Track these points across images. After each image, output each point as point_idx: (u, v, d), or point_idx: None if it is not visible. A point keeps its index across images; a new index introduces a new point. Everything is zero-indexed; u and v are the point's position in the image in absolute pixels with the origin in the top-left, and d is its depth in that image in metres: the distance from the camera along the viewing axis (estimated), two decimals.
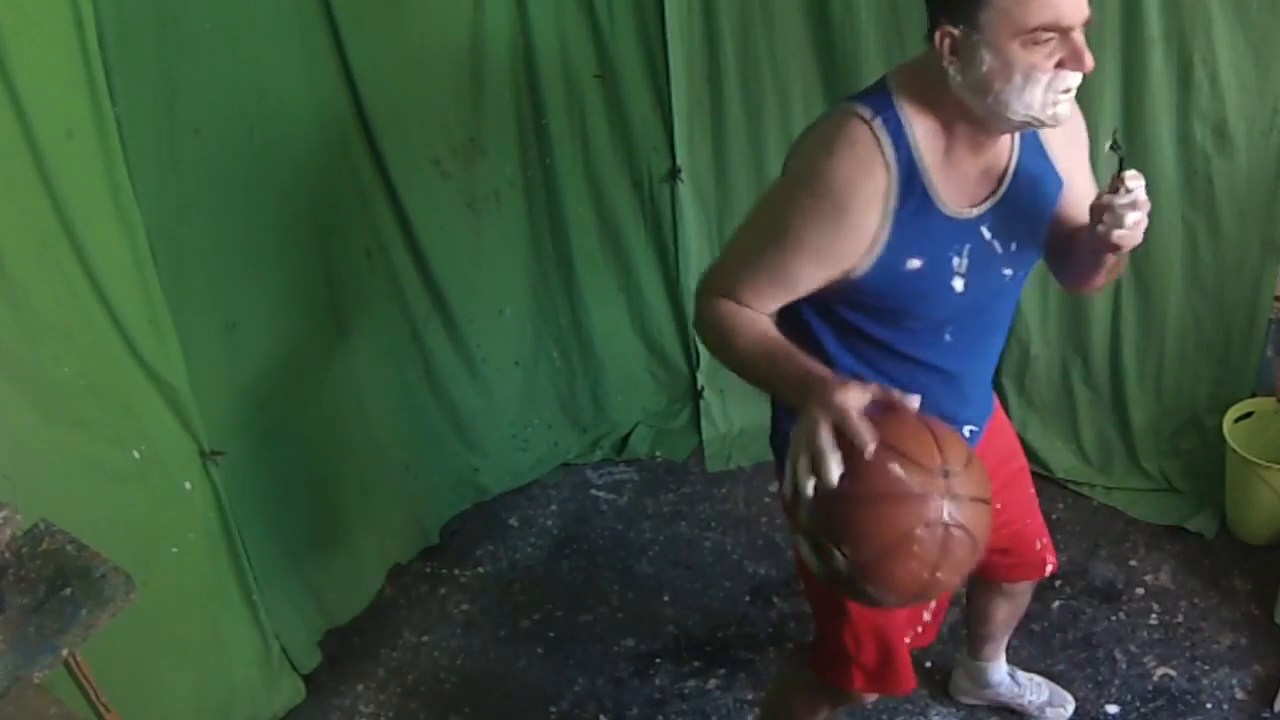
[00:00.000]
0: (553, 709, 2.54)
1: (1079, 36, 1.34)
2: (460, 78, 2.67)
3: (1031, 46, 1.33)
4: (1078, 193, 1.59)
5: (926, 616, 1.85)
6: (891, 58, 2.63)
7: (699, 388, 3.17)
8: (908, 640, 1.84)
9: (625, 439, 3.22)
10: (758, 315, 1.50)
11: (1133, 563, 2.70)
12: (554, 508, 3.09)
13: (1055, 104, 1.37)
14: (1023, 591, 2.15)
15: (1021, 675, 2.37)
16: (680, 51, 2.76)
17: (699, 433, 3.20)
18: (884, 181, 1.43)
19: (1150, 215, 2.58)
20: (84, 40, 1.86)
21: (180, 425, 2.20)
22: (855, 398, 1.26)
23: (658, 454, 3.20)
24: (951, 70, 1.38)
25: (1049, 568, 2.04)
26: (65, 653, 1.70)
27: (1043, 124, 1.40)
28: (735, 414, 3.18)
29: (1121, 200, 1.39)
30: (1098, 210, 1.42)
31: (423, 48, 2.58)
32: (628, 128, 2.89)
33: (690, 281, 3.04)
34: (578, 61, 2.79)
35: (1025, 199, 1.53)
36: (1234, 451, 2.57)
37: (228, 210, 2.29)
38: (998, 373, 2.88)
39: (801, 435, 1.27)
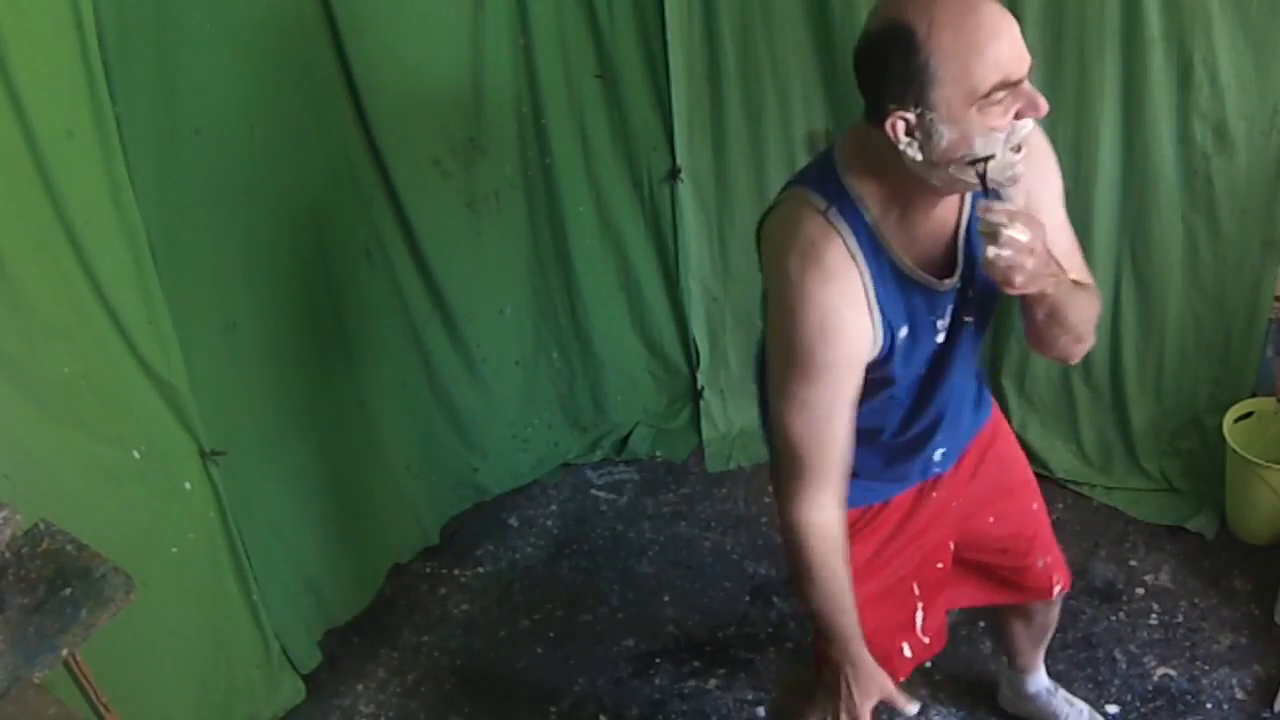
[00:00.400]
0: (553, 709, 2.54)
1: (1028, 84, 1.32)
2: (460, 77, 2.67)
3: (988, 109, 1.30)
4: (1054, 242, 1.53)
5: (926, 639, 1.86)
6: None
7: (699, 388, 3.17)
8: (907, 652, 1.85)
9: (625, 439, 3.22)
10: (838, 538, 1.55)
11: (1133, 563, 2.70)
12: (554, 508, 3.09)
13: (1014, 164, 1.36)
14: (1040, 610, 2.10)
15: (1063, 695, 2.33)
16: (680, 51, 2.76)
17: (699, 433, 3.20)
18: (856, 279, 1.43)
19: (1150, 215, 2.60)
20: (84, 40, 1.86)
21: (180, 425, 2.20)
22: (873, 698, 1.60)
23: (658, 454, 3.20)
24: (909, 151, 1.35)
25: (1057, 588, 1.97)
26: (65, 653, 1.70)
27: (1003, 185, 1.38)
28: (735, 414, 3.18)
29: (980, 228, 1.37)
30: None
31: (423, 48, 2.58)
32: (628, 128, 2.89)
33: (691, 282, 3.04)
34: (578, 61, 2.79)
35: (979, 243, 1.50)
36: (1234, 451, 2.57)
37: (228, 210, 2.29)
38: (997, 374, 2.89)
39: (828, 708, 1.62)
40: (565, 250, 2.98)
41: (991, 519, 1.88)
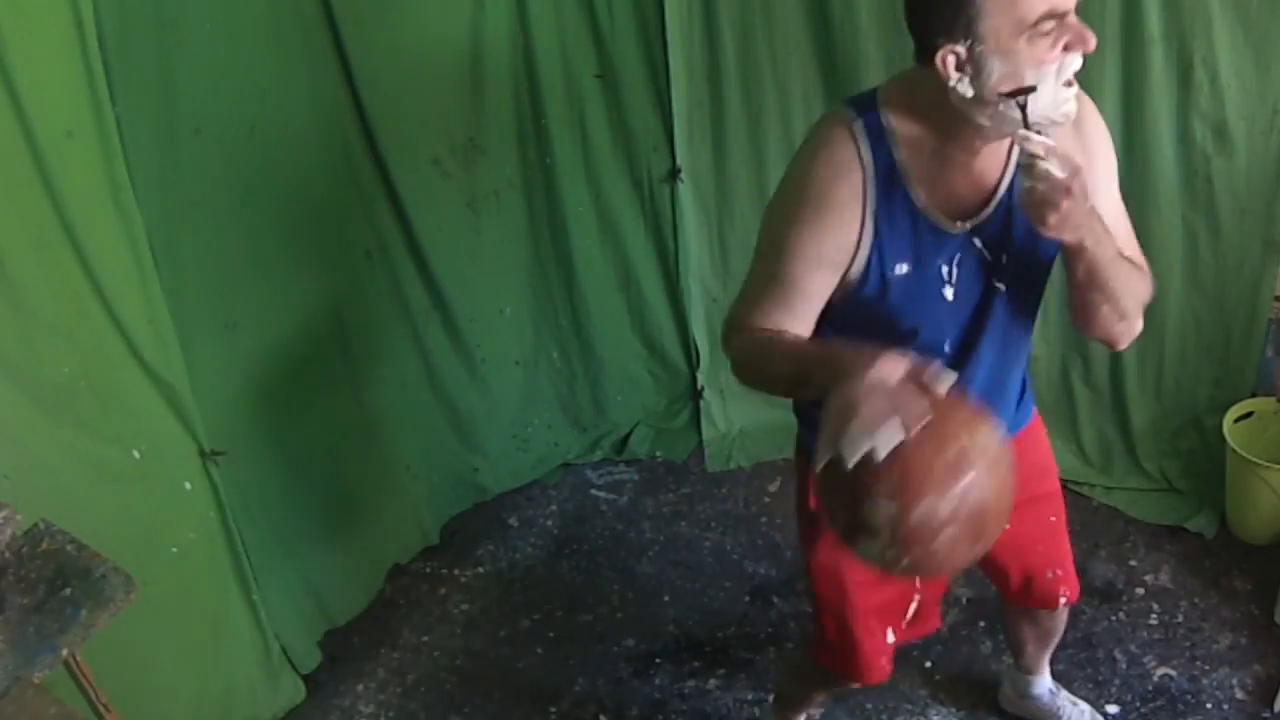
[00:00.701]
0: (553, 709, 2.54)
1: (1074, 17, 1.33)
2: (460, 77, 2.66)
3: (1036, 40, 1.32)
4: (1102, 212, 1.53)
5: (911, 608, 1.86)
6: (891, 58, 2.63)
7: (699, 388, 3.17)
8: (890, 637, 1.85)
9: (625, 439, 3.22)
10: (776, 333, 1.52)
11: (1133, 563, 2.70)
12: (554, 508, 3.09)
13: (1065, 101, 1.36)
14: (1046, 617, 2.10)
15: (1065, 696, 2.33)
16: (680, 51, 2.76)
17: (699, 433, 3.20)
18: (859, 180, 1.44)
19: (1150, 215, 2.60)
20: (84, 40, 1.86)
21: (180, 425, 2.20)
22: (891, 369, 1.27)
23: (658, 454, 3.20)
24: (960, 87, 1.36)
25: (1063, 600, 1.98)
26: (65, 653, 1.70)
27: (1055, 123, 1.38)
28: (735, 414, 3.18)
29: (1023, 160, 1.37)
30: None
31: (423, 47, 2.58)
32: (628, 128, 2.88)
33: (691, 282, 3.04)
34: (578, 61, 2.79)
35: (1020, 214, 1.49)
36: (1234, 451, 2.57)
37: (228, 210, 2.29)
38: None
39: (846, 404, 1.26)
40: (565, 250, 2.98)
41: (1008, 524, 1.86)
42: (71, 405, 1.97)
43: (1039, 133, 1.35)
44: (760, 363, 1.52)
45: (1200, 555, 2.69)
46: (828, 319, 1.56)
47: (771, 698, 2.36)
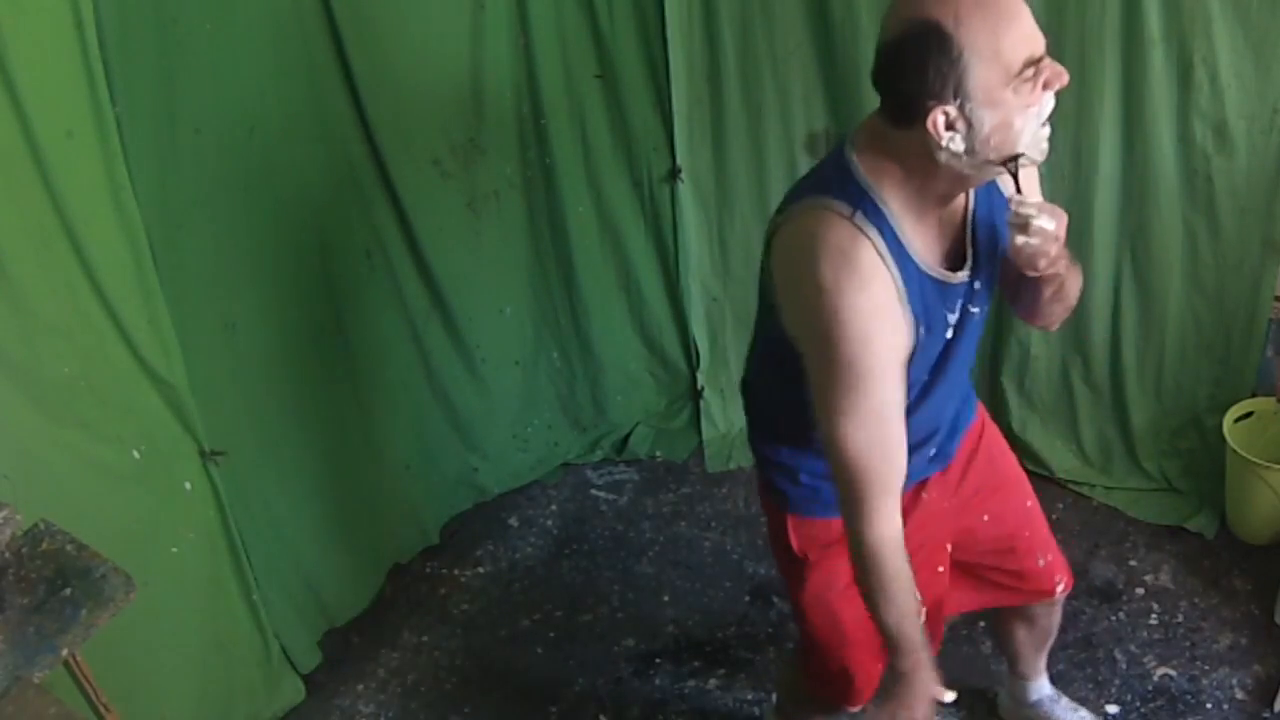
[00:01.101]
0: (553, 709, 2.54)
1: (1047, 58, 1.37)
2: (460, 77, 2.67)
3: (1020, 87, 1.34)
4: None
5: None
6: None
7: (699, 388, 3.17)
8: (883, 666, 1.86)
9: (625, 439, 3.22)
10: (906, 560, 1.54)
11: (1133, 563, 2.70)
12: (554, 508, 3.09)
13: (1043, 139, 1.41)
14: (1042, 614, 2.08)
15: (1066, 703, 2.31)
16: (680, 51, 2.76)
17: (699, 433, 3.20)
18: (889, 281, 1.42)
19: (1150, 215, 2.60)
20: (84, 40, 1.86)
21: (180, 425, 2.20)
22: (929, 700, 1.55)
23: (658, 454, 3.20)
24: (952, 145, 1.36)
25: (1059, 587, 1.97)
26: (65, 653, 1.70)
27: (1034, 161, 1.42)
28: (735, 414, 3.18)
29: (1011, 220, 1.42)
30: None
31: (423, 48, 2.58)
32: (628, 128, 2.88)
33: (691, 282, 3.04)
34: (578, 61, 2.79)
35: (987, 240, 1.55)
36: (1234, 451, 2.57)
37: (228, 210, 2.29)
38: (997, 373, 2.89)
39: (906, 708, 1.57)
40: (565, 250, 2.98)
41: (986, 517, 1.87)
42: (71, 405, 1.97)
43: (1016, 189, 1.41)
44: (890, 583, 1.53)
45: (1200, 555, 2.69)
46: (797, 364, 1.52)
47: (774, 698, 2.35)
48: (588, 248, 3.00)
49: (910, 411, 1.57)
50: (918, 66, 1.33)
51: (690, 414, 3.23)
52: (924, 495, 1.78)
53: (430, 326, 2.86)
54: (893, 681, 1.59)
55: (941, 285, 1.49)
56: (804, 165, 2.86)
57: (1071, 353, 2.82)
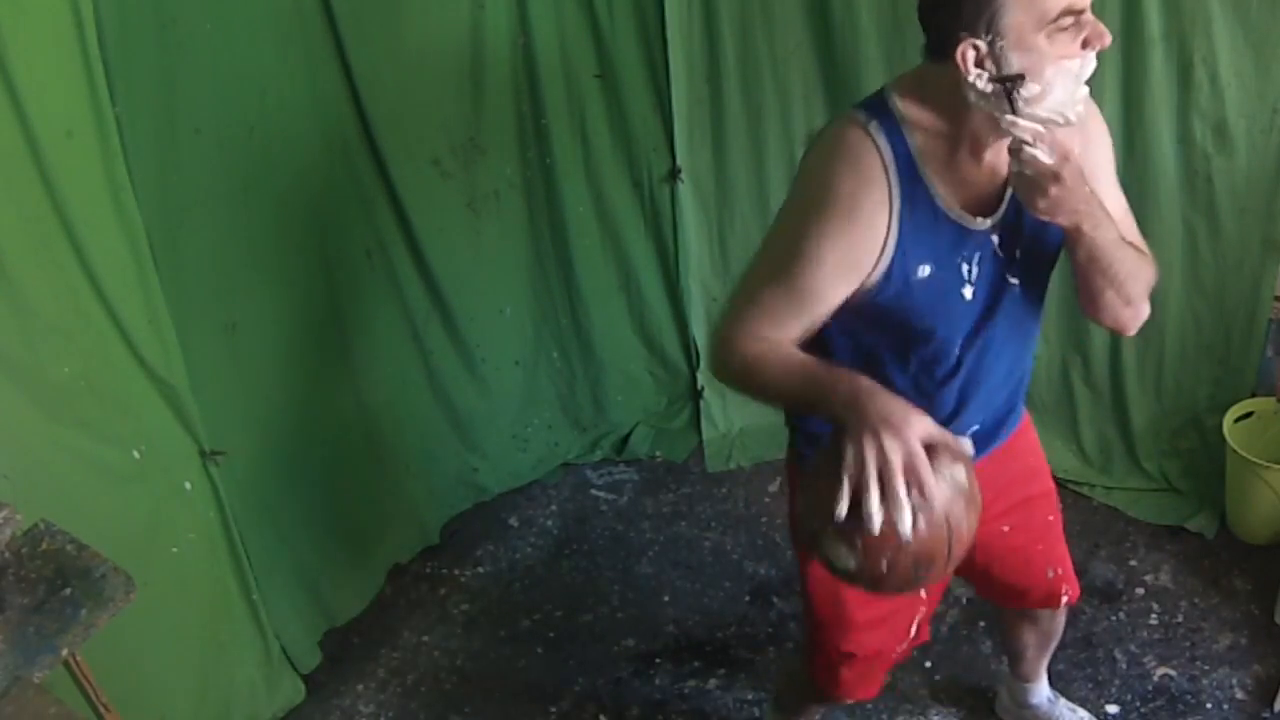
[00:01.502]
0: (553, 709, 2.54)
1: (1091, 14, 1.34)
2: (460, 77, 2.66)
3: (1056, 36, 1.33)
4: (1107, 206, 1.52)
5: (913, 627, 1.86)
6: (892, 58, 2.63)
7: (699, 388, 3.17)
8: (900, 648, 1.87)
9: (625, 439, 3.22)
10: (779, 341, 1.47)
11: (1133, 563, 2.70)
12: (554, 508, 3.09)
13: (1077, 101, 1.37)
14: (1047, 618, 2.08)
15: (1065, 704, 2.32)
16: (680, 51, 2.76)
17: (699, 433, 3.20)
18: (884, 185, 1.42)
19: (1150, 215, 2.60)
20: (84, 40, 1.86)
21: (180, 425, 2.20)
22: (923, 431, 1.29)
23: (658, 454, 3.20)
24: (978, 82, 1.36)
25: (1064, 598, 1.96)
26: (65, 653, 1.70)
27: (1064, 123, 1.38)
28: (735, 414, 3.18)
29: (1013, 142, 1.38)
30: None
31: (423, 47, 2.58)
32: (628, 128, 2.89)
33: (691, 282, 3.05)
34: (578, 61, 2.79)
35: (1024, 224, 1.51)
36: (1234, 451, 2.57)
37: (228, 210, 2.29)
38: None
39: (865, 460, 1.28)
40: (565, 250, 2.98)
41: (1006, 528, 1.84)
42: (71, 405, 1.97)
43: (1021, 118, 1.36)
44: (764, 374, 1.46)
45: (1200, 555, 2.69)
46: (835, 317, 1.49)
47: (773, 697, 2.36)
48: (588, 248, 3.00)
49: (945, 380, 1.57)
50: None
51: (690, 414, 3.23)
52: None
53: (430, 326, 2.86)
54: (845, 428, 1.33)
55: (957, 228, 1.47)
56: None
57: (1071, 353, 2.82)
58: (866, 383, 1.34)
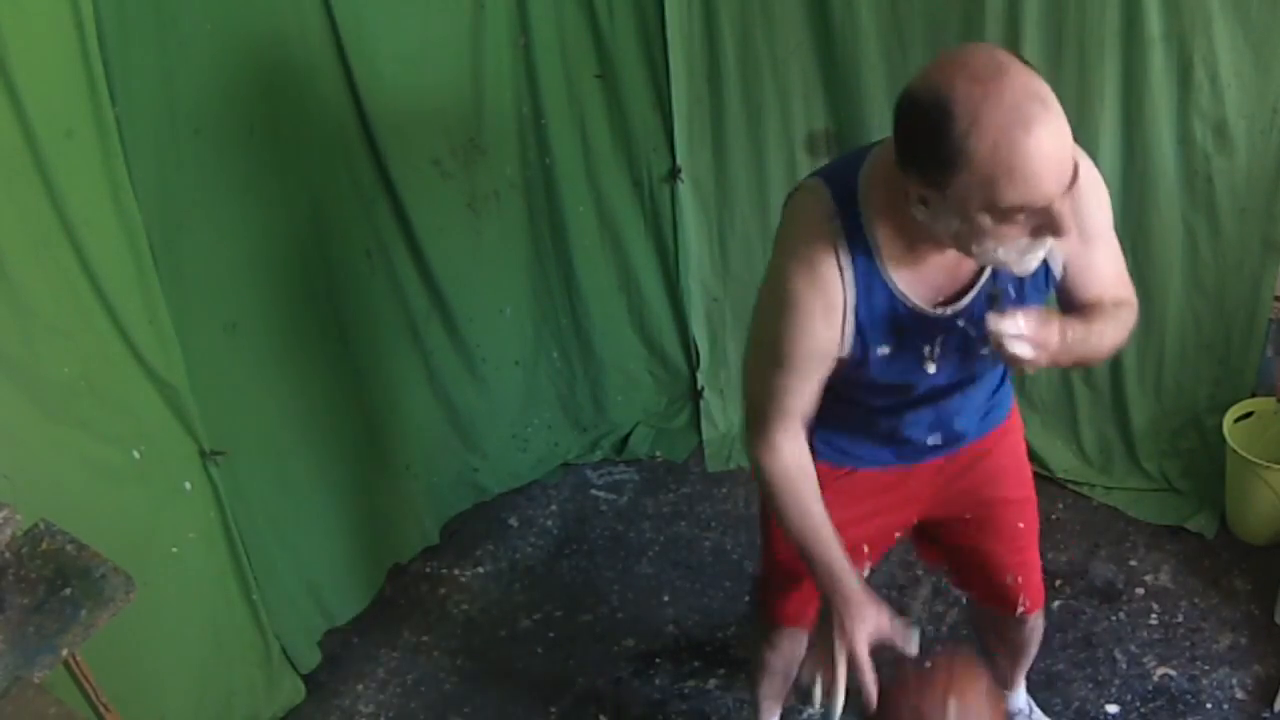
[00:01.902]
0: (553, 709, 2.54)
1: (1060, 206, 1.25)
2: (460, 78, 2.67)
3: (1003, 221, 1.27)
4: (1085, 268, 1.53)
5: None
6: (892, 58, 2.63)
7: (699, 388, 3.17)
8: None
9: (625, 439, 3.22)
10: (800, 469, 1.59)
11: (1133, 563, 2.70)
12: (554, 508, 3.09)
13: (1030, 262, 1.33)
14: (1013, 627, 2.04)
15: (1039, 716, 2.33)
16: (680, 51, 2.76)
17: (699, 433, 3.20)
18: (837, 286, 1.44)
19: (1150, 215, 2.60)
20: (84, 40, 1.86)
21: (180, 425, 2.20)
22: (868, 630, 1.51)
23: (658, 454, 3.20)
24: (918, 215, 1.33)
25: (1021, 609, 1.95)
26: (65, 653, 1.70)
27: (1014, 272, 1.38)
28: (735, 414, 3.18)
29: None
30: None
31: (423, 48, 2.58)
32: (628, 128, 2.89)
33: (691, 282, 3.05)
34: (578, 61, 2.79)
35: (1010, 292, 1.50)
36: (1234, 451, 2.57)
37: (228, 210, 2.29)
38: None
39: (822, 647, 1.55)
40: (565, 250, 2.98)
41: (969, 516, 1.88)
42: (71, 405, 1.97)
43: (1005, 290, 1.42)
44: (781, 512, 1.61)
45: (1200, 555, 2.69)
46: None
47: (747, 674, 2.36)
48: (588, 248, 3.00)
49: (907, 407, 1.65)
50: (911, 134, 1.27)
51: (690, 414, 3.23)
52: (909, 480, 1.80)
53: (430, 326, 2.86)
54: (825, 611, 1.59)
55: (915, 314, 1.48)
56: (804, 165, 2.86)
57: None
58: (842, 585, 1.54)
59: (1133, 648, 2.51)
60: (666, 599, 2.78)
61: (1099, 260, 1.54)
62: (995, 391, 1.77)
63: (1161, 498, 2.81)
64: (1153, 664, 2.47)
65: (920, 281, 1.46)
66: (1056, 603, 2.60)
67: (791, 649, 2.04)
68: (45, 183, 1.85)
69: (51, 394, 1.93)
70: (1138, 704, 2.39)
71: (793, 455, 1.59)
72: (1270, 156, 2.42)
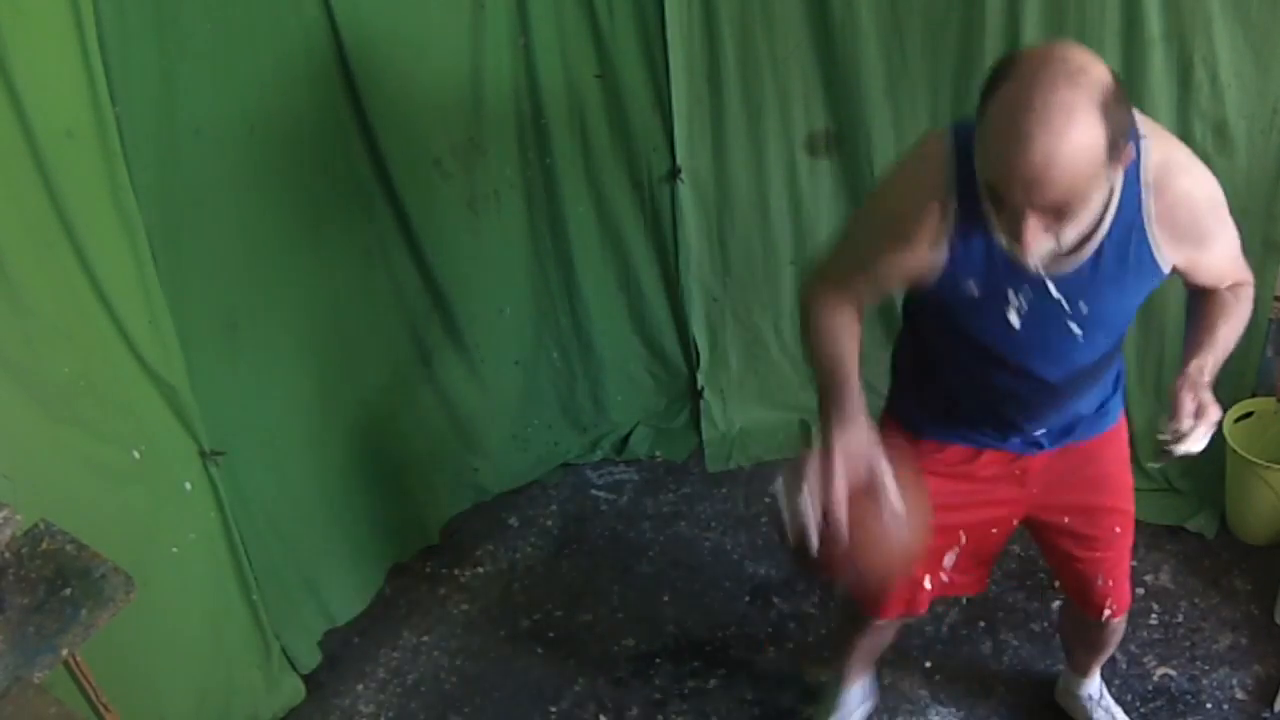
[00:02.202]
0: (553, 709, 2.54)
1: (1031, 223, 1.33)
2: (460, 77, 2.66)
3: (991, 200, 1.37)
4: (1204, 266, 1.60)
5: (946, 577, 1.95)
6: (891, 58, 2.63)
7: (699, 388, 3.17)
8: (927, 583, 1.94)
9: (625, 439, 3.22)
10: (844, 324, 1.64)
11: (1133, 563, 2.69)
12: (554, 508, 3.09)
13: (1020, 254, 1.41)
14: (1095, 628, 2.09)
15: (1108, 705, 2.33)
16: (680, 51, 2.76)
17: (699, 433, 3.20)
18: (937, 210, 1.48)
19: None
20: (84, 40, 1.86)
21: (180, 425, 2.20)
22: (856, 468, 1.51)
23: (658, 454, 3.20)
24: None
25: (1107, 612, 2.00)
26: (65, 653, 1.70)
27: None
28: (735, 414, 3.18)
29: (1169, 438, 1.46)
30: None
31: (423, 47, 2.58)
32: (628, 128, 2.88)
33: (691, 281, 3.05)
34: (578, 61, 2.79)
35: (1108, 274, 1.51)
36: (1234, 451, 2.57)
37: (228, 210, 2.29)
38: None
39: (808, 470, 1.51)
40: (565, 250, 2.98)
41: (1067, 519, 1.91)
42: (71, 405, 1.97)
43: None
44: (815, 349, 1.66)
45: (1200, 555, 2.69)
46: (919, 298, 1.64)
47: (831, 648, 2.42)
48: (588, 248, 3.00)
49: (1017, 389, 1.66)
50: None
51: (690, 414, 3.23)
52: (1016, 471, 1.82)
53: (430, 326, 2.86)
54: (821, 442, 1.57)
55: (1009, 261, 1.49)
56: (804, 165, 2.86)
57: None
58: (848, 412, 1.53)
59: (1133, 648, 2.51)
60: (666, 599, 2.78)
61: (1216, 258, 1.60)
62: (1108, 398, 1.79)
63: (1161, 498, 2.81)
64: (1153, 664, 2.47)
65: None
66: (1056, 603, 2.60)
67: (881, 636, 2.13)
68: (45, 183, 1.85)
69: (51, 394, 1.93)
70: (1138, 704, 2.39)
71: (840, 312, 1.66)
72: (1270, 156, 2.42)
